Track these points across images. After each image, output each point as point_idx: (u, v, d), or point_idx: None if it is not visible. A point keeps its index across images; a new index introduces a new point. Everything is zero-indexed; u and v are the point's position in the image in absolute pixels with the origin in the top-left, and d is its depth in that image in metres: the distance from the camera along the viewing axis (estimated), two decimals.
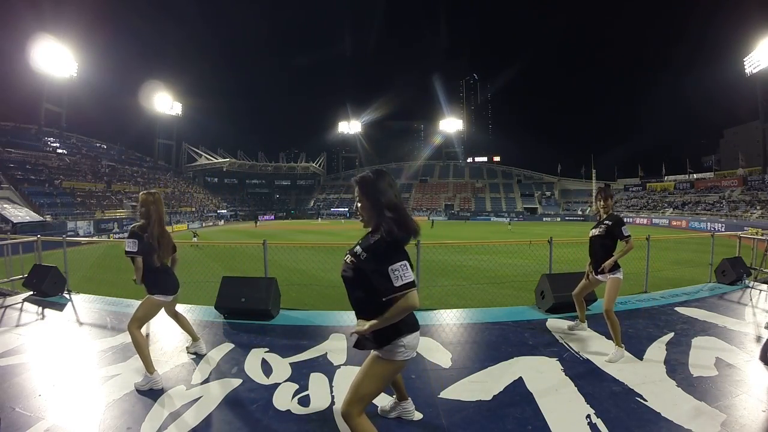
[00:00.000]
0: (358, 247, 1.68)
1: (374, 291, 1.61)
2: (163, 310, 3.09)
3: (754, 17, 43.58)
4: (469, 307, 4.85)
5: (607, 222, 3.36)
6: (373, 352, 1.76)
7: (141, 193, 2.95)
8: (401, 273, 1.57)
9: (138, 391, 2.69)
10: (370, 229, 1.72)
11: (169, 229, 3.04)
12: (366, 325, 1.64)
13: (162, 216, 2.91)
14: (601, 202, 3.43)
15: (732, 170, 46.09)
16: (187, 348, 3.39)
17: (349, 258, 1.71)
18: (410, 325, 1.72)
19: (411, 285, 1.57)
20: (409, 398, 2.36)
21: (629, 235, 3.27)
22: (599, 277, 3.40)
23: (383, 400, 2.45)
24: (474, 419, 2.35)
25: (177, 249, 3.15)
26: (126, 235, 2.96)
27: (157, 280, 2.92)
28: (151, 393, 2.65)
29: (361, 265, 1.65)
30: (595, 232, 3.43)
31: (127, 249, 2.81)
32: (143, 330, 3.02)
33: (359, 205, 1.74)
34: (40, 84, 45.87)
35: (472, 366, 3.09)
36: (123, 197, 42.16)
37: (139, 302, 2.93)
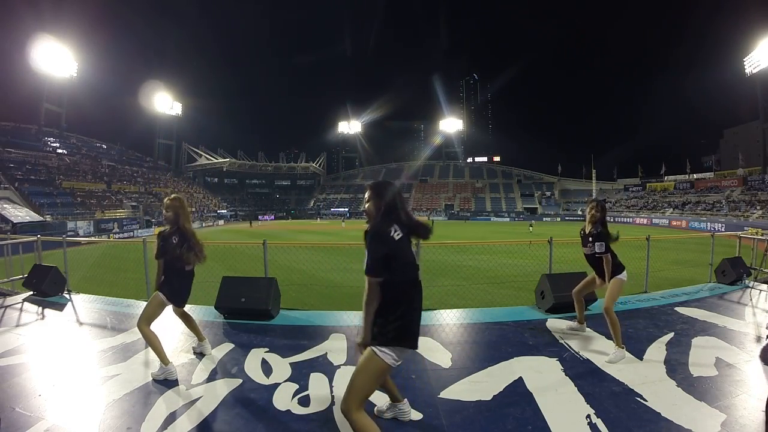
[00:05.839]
0: None
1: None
2: (171, 309, 3.11)
3: (754, 17, 43.64)
4: (469, 307, 4.85)
5: (591, 240, 3.38)
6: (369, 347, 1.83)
7: (166, 198, 3.03)
8: (365, 260, 1.79)
9: (154, 380, 2.82)
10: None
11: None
12: (359, 339, 1.87)
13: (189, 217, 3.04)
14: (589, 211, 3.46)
15: (732, 170, 46.09)
16: (193, 348, 3.40)
17: None
18: (398, 338, 1.80)
19: (366, 271, 1.78)
20: (405, 399, 2.36)
21: (603, 252, 3.27)
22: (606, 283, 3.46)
23: (380, 400, 2.45)
24: (474, 419, 2.35)
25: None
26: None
27: (172, 284, 2.97)
28: (150, 393, 2.66)
29: None
30: (586, 251, 3.47)
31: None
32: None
33: (367, 205, 1.98)
34: (40, 84, 45.87)
35: (472, 366, 3.09)
36: (123, 197, 42.15)
37: (138, 301, 2.95)
